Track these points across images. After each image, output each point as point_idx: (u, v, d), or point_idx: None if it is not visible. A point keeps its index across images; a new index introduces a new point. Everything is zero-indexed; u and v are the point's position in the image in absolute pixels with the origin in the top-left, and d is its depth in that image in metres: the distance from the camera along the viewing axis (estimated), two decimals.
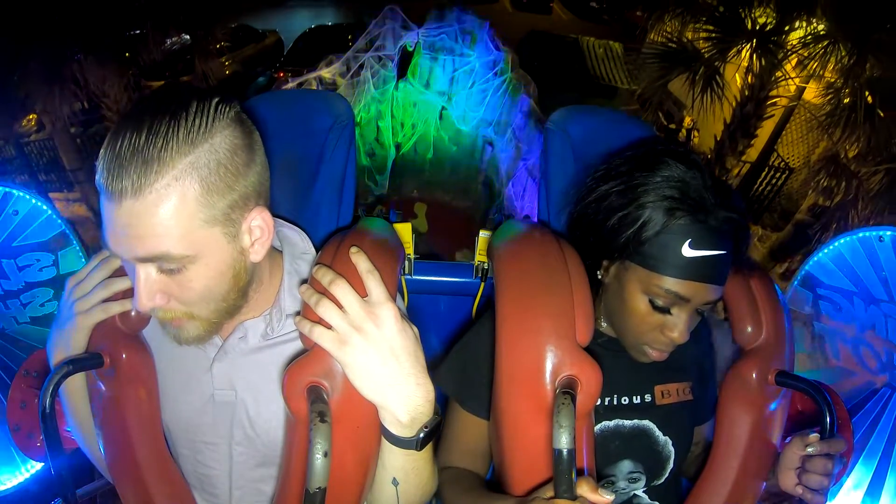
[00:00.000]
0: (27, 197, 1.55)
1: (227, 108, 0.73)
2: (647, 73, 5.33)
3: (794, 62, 4.85)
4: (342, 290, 0.75)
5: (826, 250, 1.60)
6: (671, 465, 1.08)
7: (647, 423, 1.06)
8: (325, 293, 0.76)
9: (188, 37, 6.51)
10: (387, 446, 0.80)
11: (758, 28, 4.76)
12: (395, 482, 0.83)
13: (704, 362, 1.13)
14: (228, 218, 0.75)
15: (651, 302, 0.93)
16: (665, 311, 0.93)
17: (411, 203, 5.61)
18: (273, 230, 0.81)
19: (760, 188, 7.18)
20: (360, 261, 0.78)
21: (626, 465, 1.06)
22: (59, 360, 0.89)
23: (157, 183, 0.68)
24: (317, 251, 0.93)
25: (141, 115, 0.69)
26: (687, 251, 0.88)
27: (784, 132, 6.72)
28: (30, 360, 1.36)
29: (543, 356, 0.83)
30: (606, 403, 1.05)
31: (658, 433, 1.06)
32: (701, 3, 5.01)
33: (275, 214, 0.84)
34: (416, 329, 0.79)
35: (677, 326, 0.93)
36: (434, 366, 0.87)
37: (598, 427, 1.03)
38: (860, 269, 1.55)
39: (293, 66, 8.77)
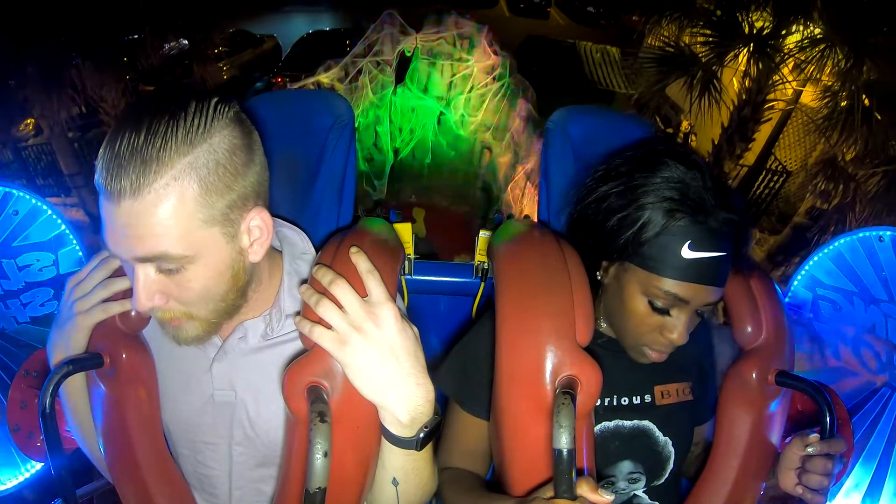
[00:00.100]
0: (27, 197, 1.55)
1: (226, 108, 0.73)
2: (645, 77, 5.34)
3: (791, 66, 4.85)
4: (342, 290, 0.75)
5: (826, 250, 1.59)
6: (671, 465, 1.08)
7: (646, 423, 1.06)
8: (325, 293, 0.76)
9: (186, 42, 6.53)
10: (387, 446, 0.80)
11: (755, 32, 4.76)
12: (395, 482, 0.83)
13: (704, 362, 1.13)
14: (227, 218, 0.75)
15: (650, 303, 0.93)
16: (664, 312, 0.92)
17: (409, 208, 5.62)
18: (272, 230, 0.81)
19: (758, 192, 7.18)
20: (360, 261, 0.78)
21: (625, 466, 1.06)
22: (59, 360, 0.88)
23: (155, 183, 0.68)
24: (317, 251, 0.93)
25: (140, 114, 0.69)
26: (686, 253, 0.87)
27: (781, 136, 6.72)
28: (30, 360, 1.36)
29: (543, 356, 0.83)
30: (606, 404, 1.04)
31: (658, 433, 1.06)
32: (698, 7, 5.02)
33: (275, 214, 0.84)
34: (416, 329, 0.79)
35: (676, 328, 0.93)
36: (434, 366, 0.87)
37: (597, 427, 1.03)
38: (860, 269, 1.55)
39: (291, 72, 8.79)
